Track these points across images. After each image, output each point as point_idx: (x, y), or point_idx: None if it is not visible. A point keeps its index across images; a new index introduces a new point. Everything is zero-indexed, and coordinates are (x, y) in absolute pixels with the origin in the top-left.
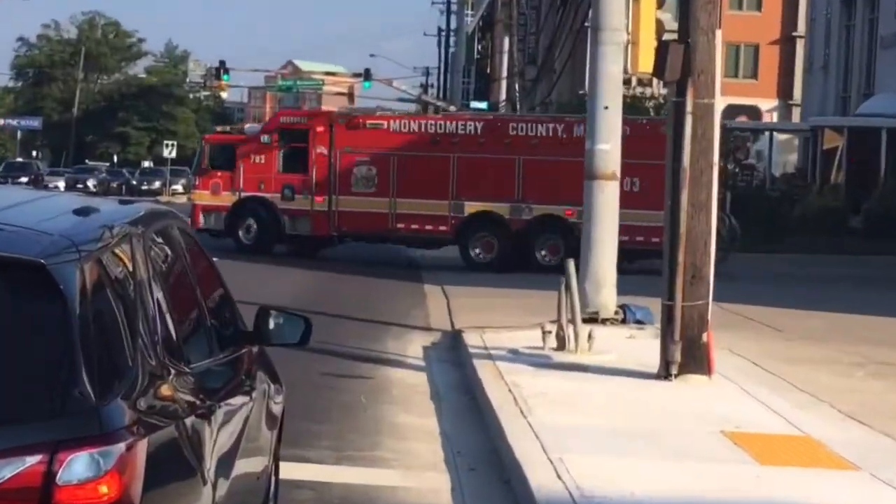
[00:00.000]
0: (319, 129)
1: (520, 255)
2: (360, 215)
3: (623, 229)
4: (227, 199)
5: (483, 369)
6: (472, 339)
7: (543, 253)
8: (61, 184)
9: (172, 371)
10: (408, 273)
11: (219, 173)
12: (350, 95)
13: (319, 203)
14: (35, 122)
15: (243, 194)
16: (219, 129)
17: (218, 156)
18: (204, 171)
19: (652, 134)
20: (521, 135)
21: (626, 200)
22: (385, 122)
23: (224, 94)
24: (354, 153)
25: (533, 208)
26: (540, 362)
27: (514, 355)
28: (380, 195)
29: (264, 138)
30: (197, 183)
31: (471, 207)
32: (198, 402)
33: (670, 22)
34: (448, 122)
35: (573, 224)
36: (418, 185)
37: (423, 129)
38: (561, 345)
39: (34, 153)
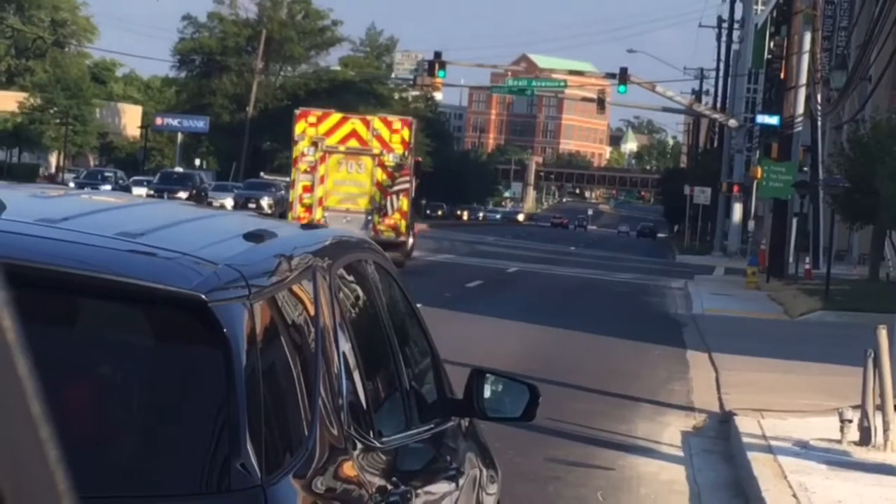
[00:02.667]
0: None
1: None
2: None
3: None
4: None
5: (760, 466)
6: (747, 425)
7: None
8: (229, 202)
9: (359, 445)
10: (665, 332)
11: None
12: (601, 101)
13: None
14: (200, 123)
15: None
16: None
17: None
18: None
19: None
20: None
21: None
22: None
23: (438, 95)
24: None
25: None
26: (836, 460)
27: (802, 449)
28: None
29: None
30: None
31: None
32: (390, 487)
33: None
34: None
35: None
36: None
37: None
38: (865, 438)
39: (197, 162)
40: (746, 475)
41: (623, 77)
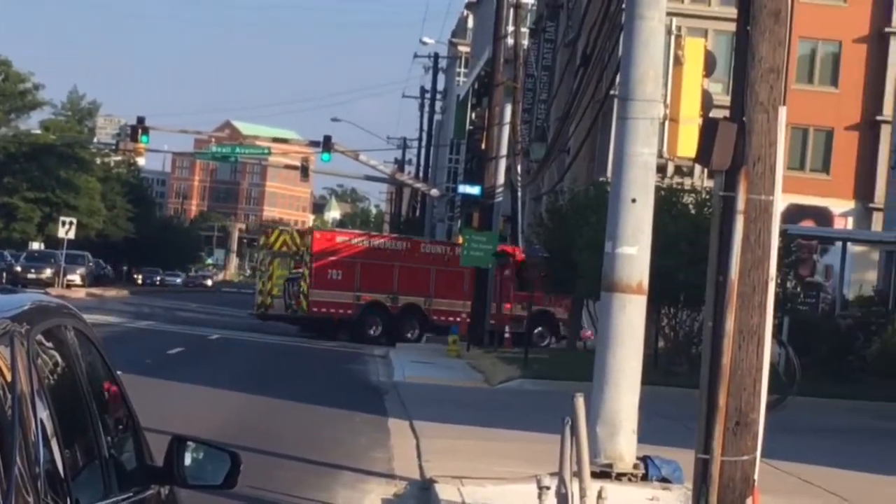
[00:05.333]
0: None
1: None
2: None
3: None
4: None
5: None
6: (447, 492)
7: None
8: None
9: None
10: (367, 400)
11: None
12: (304, 169)
13: None
14: None
15: None
16: None
17: None
18: None
19: None
20: None
21: None
22: None
23: (141, 161)
24: None
25: None
26: None
27: None
28: None
29: None
30: None
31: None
32: None
33: (721, 95)
34: None
35: None
36: None
37: None
38: None
39: None
40: None
41: (327, 145)
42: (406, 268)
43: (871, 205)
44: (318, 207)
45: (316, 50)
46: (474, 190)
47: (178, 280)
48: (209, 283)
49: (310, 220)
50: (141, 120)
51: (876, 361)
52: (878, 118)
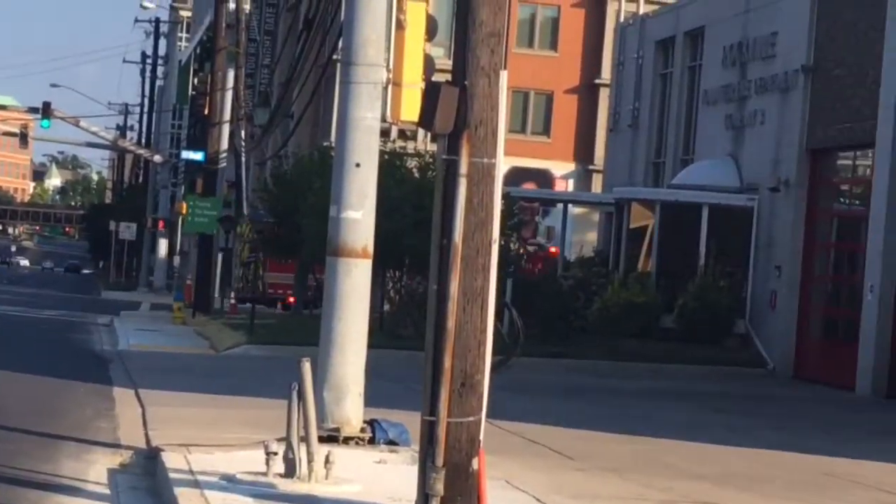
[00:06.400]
0: None
1: None
2: None
3: None
4: None
5: (187, 501)
6: (173, 460)
7: None
8: None
9: None
10: (91, 369)
11: None
12: (23, 136)
13: None
14: None
15: None
16: None
17: None
18: None
19: None
20: None
21: None
22: None
23: None
24: None
25: None
26: (262, 492)
27: (229, 483)
28: None
29: None
30: None
31: None
32: None
33: (443, 59)
34: None
35: None
36: None
37: None
38: (290, 470)
39: None
40: None
41: (46, 111)
42: None
43: (591, 167)
44: (39, 175)
45: (35, 13)
46: (198, 156)
47: None
48: None
49: (30, 187)
50: None
51: (597, 320)
52: (597, 81)
